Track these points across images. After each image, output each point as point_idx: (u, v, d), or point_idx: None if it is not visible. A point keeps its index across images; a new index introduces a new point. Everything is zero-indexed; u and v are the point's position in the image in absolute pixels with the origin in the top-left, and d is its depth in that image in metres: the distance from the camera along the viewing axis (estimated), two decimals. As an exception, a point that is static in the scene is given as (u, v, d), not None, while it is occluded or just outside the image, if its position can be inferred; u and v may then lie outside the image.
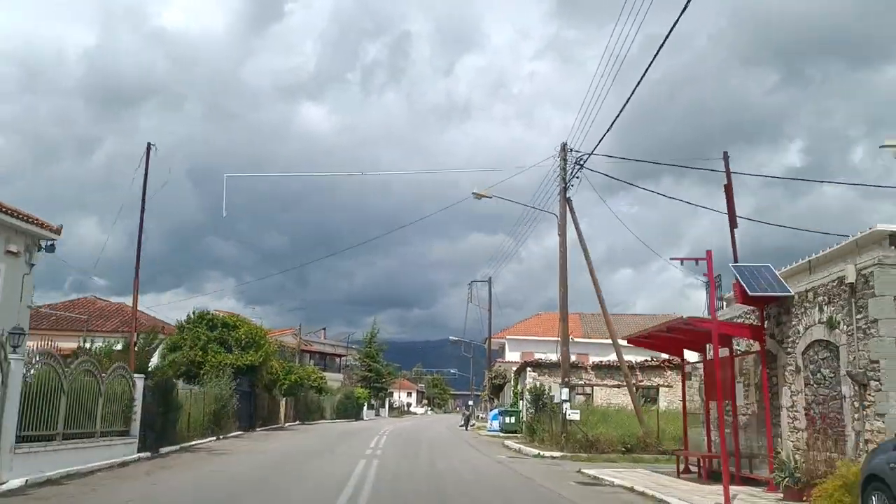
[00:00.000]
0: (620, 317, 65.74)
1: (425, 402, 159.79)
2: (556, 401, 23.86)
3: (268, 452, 19.86)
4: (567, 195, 24.03)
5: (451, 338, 55.98)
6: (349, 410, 58.70)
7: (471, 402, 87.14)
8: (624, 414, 26.01)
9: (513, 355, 58.67)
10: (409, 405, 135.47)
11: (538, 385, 30.72)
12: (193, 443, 20.66)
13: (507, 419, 42.05)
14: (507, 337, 60.39)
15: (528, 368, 38.30)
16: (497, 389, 48.30)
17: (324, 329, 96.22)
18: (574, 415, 22.76)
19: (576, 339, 58.64)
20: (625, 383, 38.32)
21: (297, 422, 42.72)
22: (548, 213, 24.08)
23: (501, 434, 40.33)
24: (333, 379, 72.76)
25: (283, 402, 38.24)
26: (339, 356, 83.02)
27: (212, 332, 30.52)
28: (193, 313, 31.29)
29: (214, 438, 23.05)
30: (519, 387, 46.36)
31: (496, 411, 45.81)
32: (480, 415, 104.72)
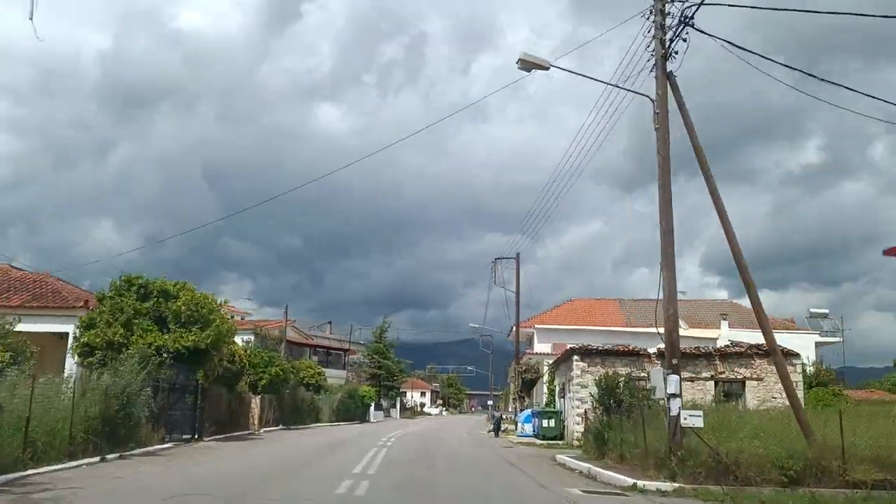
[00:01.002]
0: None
1: (440, 402, 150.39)
2: (657, 395, 14.46)
3: (135, 494, 10.70)
4: (668, 68, 14.68)
5: (471, 324, 46.31)
6: (352, 412, 49.53)
7: (493, 403, 77.52)
8: (757, 417, 16.50)
9: (543, 347, 49.29)
10: (422, 405, 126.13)
11: (608, 374, 21.18)
12: (26, 473, 11.54)
13: (545, 422, 32.73)
14: (536, 326, 50.98)
15: (575, 358, 28.94)
16: (528, 386, 38.98)
17: (329, 323, 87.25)
18: (695, 419, 13.39)
19: (615, 329, 49.39)
20: (710, 375, 29.08)
21: (280, 426, 33.55)
22: (640, 94, 14.68)
23: (539, 442, 31.02)
24: (337, 377, 63.76)
25: (255, 402, 29.04)
26: (345, 351, 73.67)
27: (144, 302, 21.41)
28: (120, 278, 22.21)
29: (97, 459, 13.89)
30: (556, 382, 37.00)
31: (528, 412, 36.51)
32: (502, 415, 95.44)
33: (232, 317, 22.82)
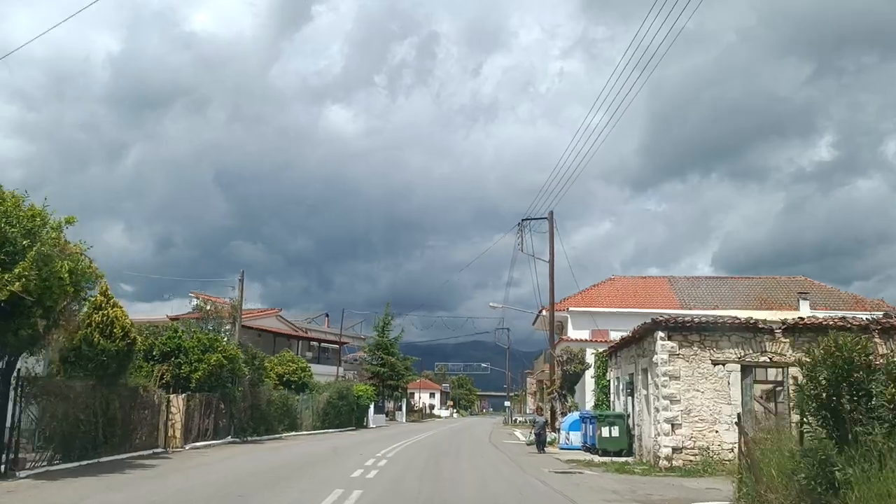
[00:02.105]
0: (723, 279, 46.05)
1: (450, 403, 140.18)
2: None
3: None
4: None
5: (491, 304, 36.45)
6: (344, 416, 39.50)
7: (515, 406, 67.48)
8: None
9: (578, 334, 39.25)
10: (431, 407, 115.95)
11: (834, 346, 10.58)
12: None
13: (605, 431, 22.74)
14: (571, 309, 40.90)
15: (661, 336, 18.86)
16: (571, 381, 28.81)
17: (326, 316, 77.24)
18: None
19: (667, 311, 39.30)
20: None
21: (228, 439, 23.46)
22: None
23: (599, 459, 21.05)
24: (330, 374, 53.81)
25: (177, 404, 18.86)
26: (339, 344, 63.64)
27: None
28: None
29: None
30: (612, 375, 26.94)
31: (574, 416, 26.41)
32: (518, 419, 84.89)
33: (90, 260, 12.54)
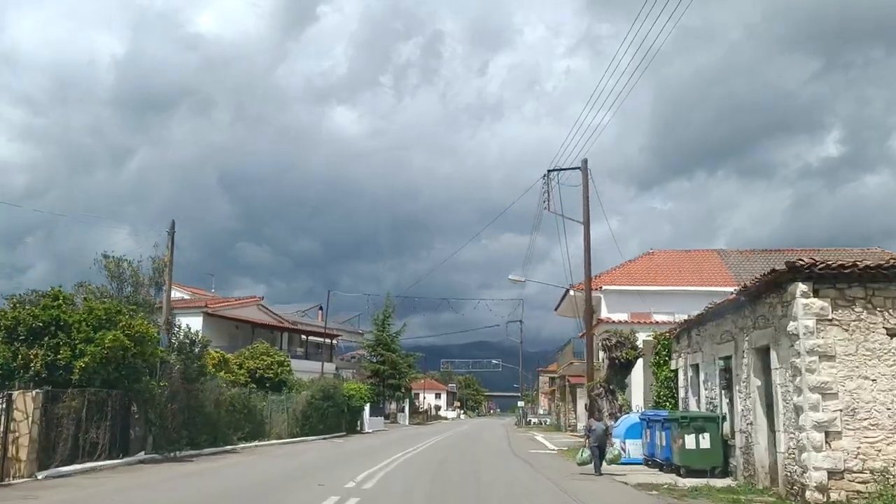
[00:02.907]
0: (781, 252, 38.63)
1: (457, 404, 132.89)
2: None
3: None
4: None
5: (510, 277, 28.82)
6: (331, 419, 32.26)
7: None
8: None
9: (615, 317, 31.91)
10: (437, 408, 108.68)
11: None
12: None
13: (690, 440, 15.46)
14: (605, 288, 33.54)
15: (802, 290, 11.58)
16: (621, 372, 21.38)
17: (320, 309, 69.94)
18: None
19: (722, 289, 32.02)
20: None
21: (145, 455, 16.19)
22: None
23: (688, 484, 13.71)
24: (323, 371, 46.61)
25: (27, 406, 11.64)
26: (330, 337, 56.48)
27: None
28: None
29: None
30: (679, 364, 19.62)
31: (633, 418, 19.15)
32: (533, 420, 77.51)
33: None
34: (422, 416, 76.57)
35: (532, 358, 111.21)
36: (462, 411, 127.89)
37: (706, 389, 17.13)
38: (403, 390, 67.74)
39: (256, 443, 23.14)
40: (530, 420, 69.66)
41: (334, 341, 63.46)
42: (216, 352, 29.26)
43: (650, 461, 18.03)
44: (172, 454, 16.85)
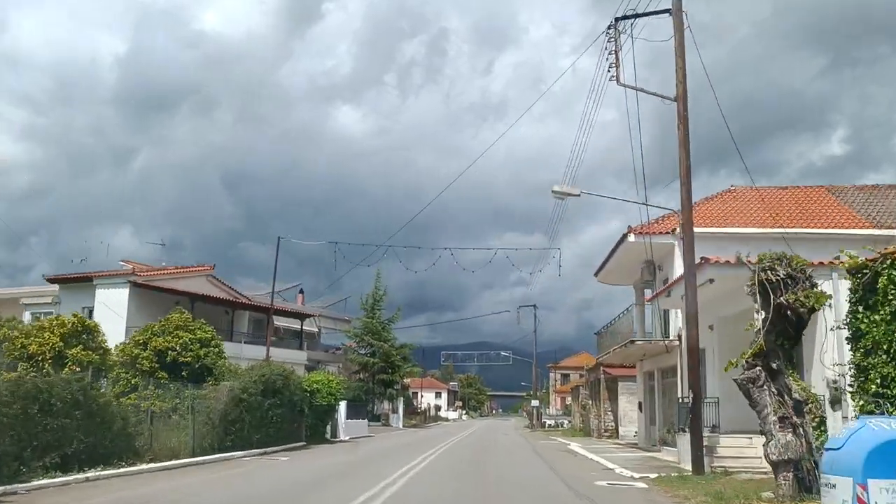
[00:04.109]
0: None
1: (459, 403, 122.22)
2: None
3: None
4: None
5: (554, 189, 17.50)
6: (276, 425, 21.54)
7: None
8: None
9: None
10: (437, 408, 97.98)
11: None
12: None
13: None
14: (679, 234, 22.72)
15: None
16: (791, 334, 10.80)
17: (300, 290, 59.31)
18: None
19: (842, 232, 21.29)
20: None
21: None
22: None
23: None
24: (296, 361, 36.06)
25: None
26: (301, 317, 45.74)
27: None
28: None
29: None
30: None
31: (886, 429, 8.65)
32: (548, 422, 66.68)
33: None
34: (419, 418, 65.91)
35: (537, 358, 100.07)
36: (464, 411, 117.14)
37: None
38: (397, 387, 57.07)
39: (113, 472, 12.54)
40: (545, 422, 58.97)
41: (315, 327, 52.78)
42: (76, 316, 18.72)
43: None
44: None
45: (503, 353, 74.21)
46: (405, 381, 72.93)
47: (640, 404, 27.31)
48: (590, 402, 40.65)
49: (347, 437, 31.05)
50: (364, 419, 36.98)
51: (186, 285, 34.78)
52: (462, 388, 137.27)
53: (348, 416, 32.64)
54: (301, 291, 57.95)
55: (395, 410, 55.09)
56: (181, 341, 21.26)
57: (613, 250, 24.71)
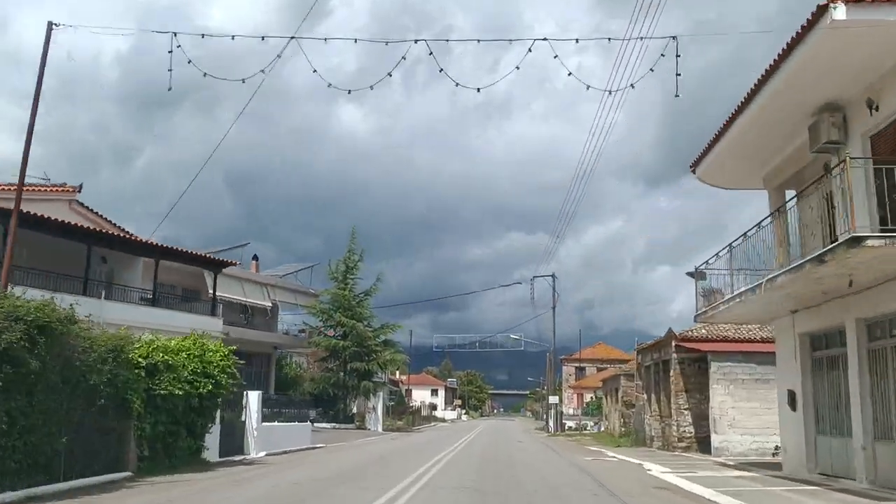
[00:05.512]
0: None
1: (457, 402, 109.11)
2: None
3: None
4: None
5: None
6: (60, 441, 8.60)
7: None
8: None
9: None
10: (433, 407, 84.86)
11: None
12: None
13: None
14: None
15: None
16: None
17: (255, 259, 46.19)
18: None
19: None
20: None
21: None
22: None
23: None
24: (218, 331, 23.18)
25: None
26: (216, 265, 31.76)
27: None
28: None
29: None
30: None
31: None
32: (569, 424, 53.07)
33: None
34: (408, 418, 52.78)
35: (538, 358, 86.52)
36: (463, 411, 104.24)
37: None
38: (376, 379, 44.01)
39: None
40: (566, 423, 45.88)
41: (267, 300, 39.63)
42: None
43: None
44: None
45: (513, 337, 60.88)
46: (392, 374, 59.95)
47: (790, 396, 14.30)
48: (645, 396, 27.65)
49: (262, 453, 18.12)
50: (305, 423, 23.85)
51: (44, 209, 21.74)
52: (461, 385, 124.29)
53: (269, 417, 19.68)
54: (255, 259, 44.87)
55: (371, 410, 41.98)
56: None
57: (770, 73, 11.36)
